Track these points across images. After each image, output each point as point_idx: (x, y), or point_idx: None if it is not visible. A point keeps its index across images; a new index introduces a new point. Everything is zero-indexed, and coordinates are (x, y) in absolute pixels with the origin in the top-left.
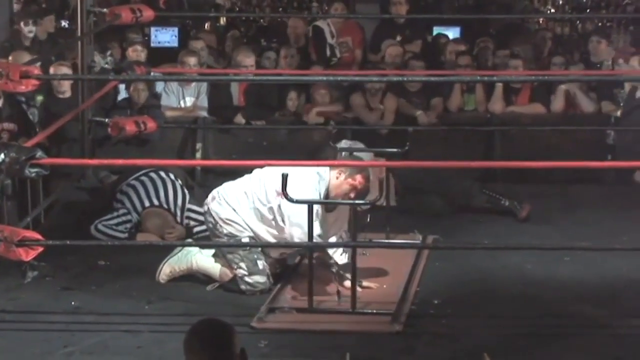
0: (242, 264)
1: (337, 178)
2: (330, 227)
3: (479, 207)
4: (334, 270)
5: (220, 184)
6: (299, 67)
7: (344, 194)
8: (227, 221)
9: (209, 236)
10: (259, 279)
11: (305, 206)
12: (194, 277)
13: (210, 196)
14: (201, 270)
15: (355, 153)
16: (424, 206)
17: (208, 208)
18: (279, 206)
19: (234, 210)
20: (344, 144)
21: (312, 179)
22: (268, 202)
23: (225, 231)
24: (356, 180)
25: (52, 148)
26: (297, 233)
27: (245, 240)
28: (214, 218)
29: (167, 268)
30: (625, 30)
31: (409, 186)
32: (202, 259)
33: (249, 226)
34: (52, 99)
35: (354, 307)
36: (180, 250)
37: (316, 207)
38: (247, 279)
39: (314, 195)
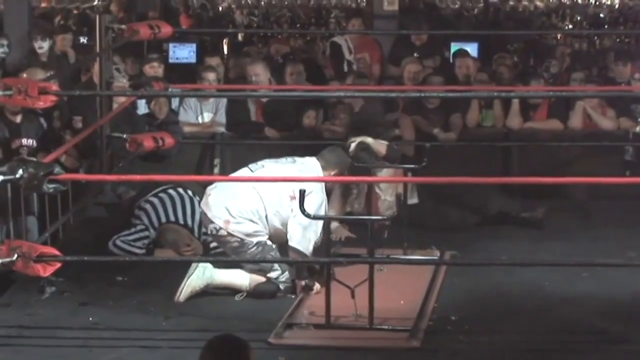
0: (276, 265)
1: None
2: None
3: (495, 212)
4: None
5: None
6: (315, 84)
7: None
8: (255, 234)
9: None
10: (288, 275)
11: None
12: (212, 292)
13: (221, 221)
14: (224, 284)
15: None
16: (441, 220)
17: (227, 232)
18: (291, 209)
19: (253, 222)
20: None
21: (318, 193)
22: (281, 206)
23: (254, 241)
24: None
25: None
26: (297, 234)
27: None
28: (239, 237)
29: (188, 289)
30: None
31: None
32: (222, 272)
33: (267, 228)
34: None
35: (371, 323)
36: (196, 268)
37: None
38: (281, 277)
39: (323, 207)
